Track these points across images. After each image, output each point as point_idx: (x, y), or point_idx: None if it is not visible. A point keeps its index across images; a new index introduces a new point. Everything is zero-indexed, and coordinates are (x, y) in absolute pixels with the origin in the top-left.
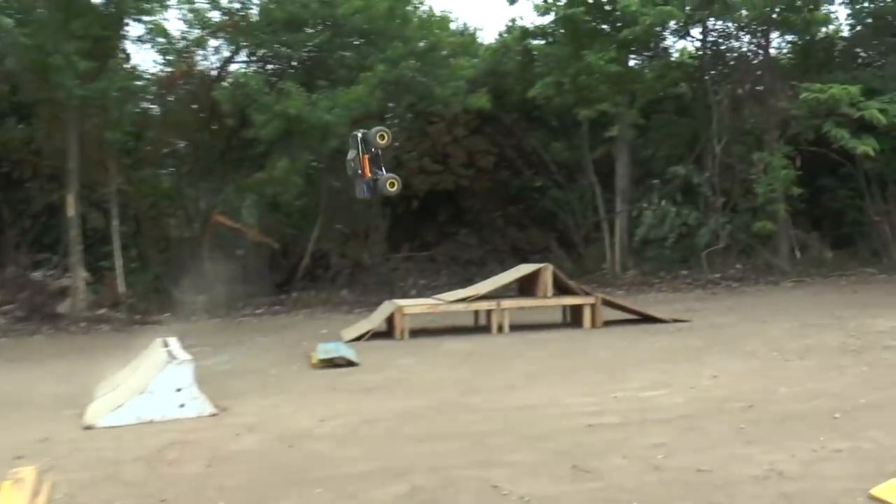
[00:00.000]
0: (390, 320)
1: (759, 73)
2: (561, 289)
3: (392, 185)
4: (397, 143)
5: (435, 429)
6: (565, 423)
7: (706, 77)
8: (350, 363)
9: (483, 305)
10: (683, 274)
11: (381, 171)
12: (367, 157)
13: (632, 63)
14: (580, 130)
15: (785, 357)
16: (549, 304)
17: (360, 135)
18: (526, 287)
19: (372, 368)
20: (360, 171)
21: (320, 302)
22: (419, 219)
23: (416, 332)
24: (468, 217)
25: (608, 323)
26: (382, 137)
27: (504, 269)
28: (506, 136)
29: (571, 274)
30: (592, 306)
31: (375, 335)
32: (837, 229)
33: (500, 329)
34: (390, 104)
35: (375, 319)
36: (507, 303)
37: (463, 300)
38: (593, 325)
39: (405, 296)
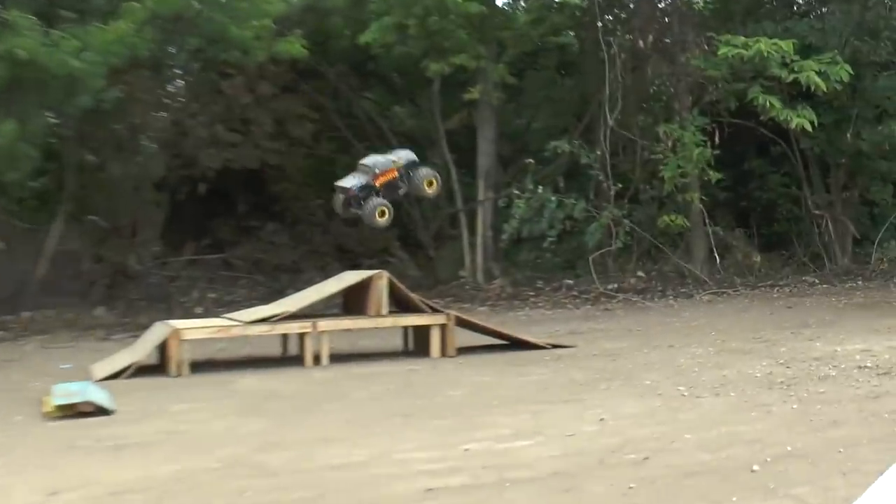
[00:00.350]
0: (163, 349)
1: (666, 20)
2: (401, 304)
3: (382, 213)
4: (180, 102)
5: (216, 501)
6: (397, 488)
7: (598, 24)
8: (101, 410)
9: (294, 328)
10: (567, 284)
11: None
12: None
13: (500, 2)
14: (430, 91)
15: (695, 393)
16: (383, 325)
17: (372, 166)
18: (353, 303)
19: (132, 417)
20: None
21: (63, 324)
22: (209, 209)
23: (200, 366)
24: (277, 207)
25: (464, 350)
26: (431, 185)
27: (327, 278)
28: (330, 97)
29: (416, 284)
30: (443, 328)
31: (141, 370)
32: (768, 226)
33: (318, 360)
34: (169, 48)
35: (140, 349)
36: (326, 324)
37: (266, 320)
38: (444, 353)
39: (187, 315)
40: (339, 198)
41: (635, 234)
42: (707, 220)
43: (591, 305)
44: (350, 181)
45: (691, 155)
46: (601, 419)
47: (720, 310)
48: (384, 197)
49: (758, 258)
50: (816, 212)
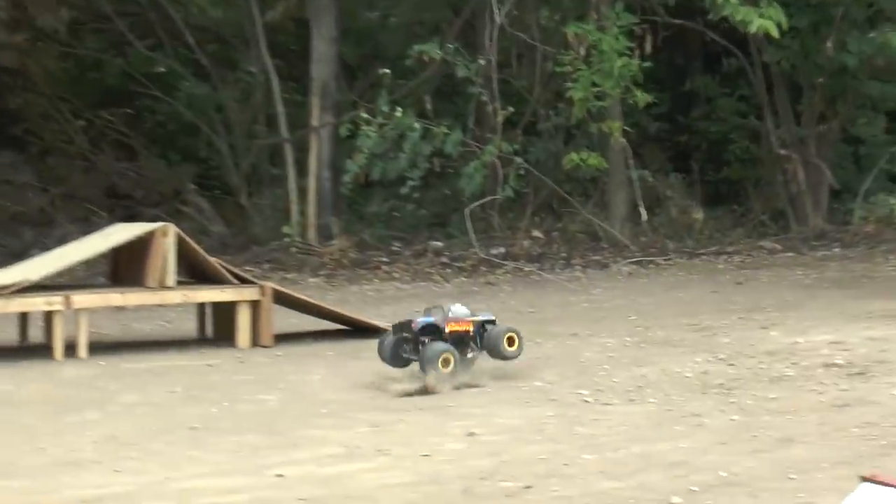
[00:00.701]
0: None
1: None
2: (196, 273)
3: (447, 362)
4: None
5: None
6: None
7: None
8: None
9: (38, 304)
10: (435, 247)
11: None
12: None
13: None
14: None
15: (601, 399)
16: (169, 300)
17: (447, 309)
18: (126, 269)
19: None
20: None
21: None
22: None
23: None
24: (16, 130)
25: (285, 337)
26: (512, 343)
27: (89, 233)
28: None
29: (221, 245)
30: (255, 306)
31: None
32: (716, 171)
33: (72, 351)
34: None
35: None
36: (85, 298)
37: None
38: (256, 341)
39: None
40: (389, 338)
41: (532, 179)
42: (632, 162)
43: (466, 277)
44: (414, 317)
45: (612, 68)
46: (470, 433)
47: (644, 286)
48: None
49: (700, 215)
50: (782, 152)
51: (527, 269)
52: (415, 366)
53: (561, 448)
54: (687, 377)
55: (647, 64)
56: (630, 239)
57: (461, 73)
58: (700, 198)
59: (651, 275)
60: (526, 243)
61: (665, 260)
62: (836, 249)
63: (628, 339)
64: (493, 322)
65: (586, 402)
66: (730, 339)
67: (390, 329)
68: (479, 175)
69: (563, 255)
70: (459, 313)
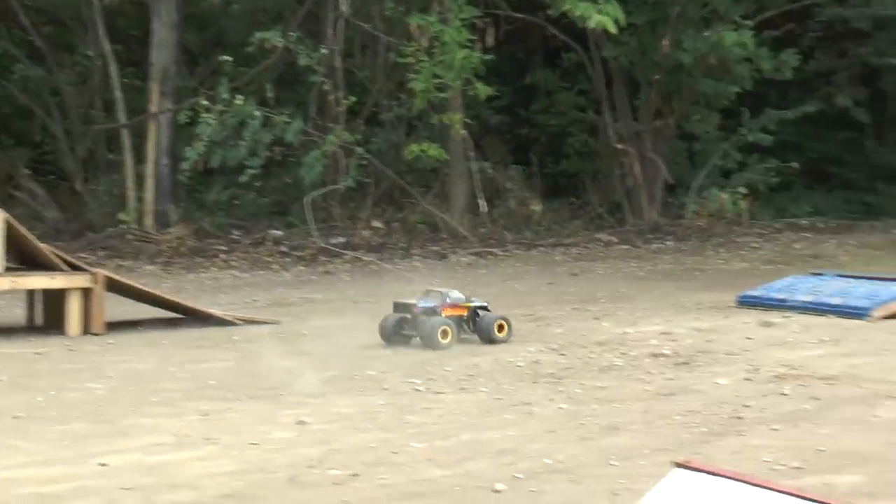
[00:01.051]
0: None
1: None
2: (26, 259)
3: (445, 334)
4: None
5: None
6: None
7: None
8: None
9: None
10: (274, 236)
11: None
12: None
13: None
14: None
15: (433, 388)
16: None
17: (445, 293)
18: None
19: None
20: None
21: None
22: None
23: None
24: None
25: (118, 326)
26: (501, 329)
27: None
28: None
29: (55, 231)
30: (87, 293)
31: None
32: (555, 163)
33: None
34: None
35: None
36: None
37: None
38: (87, 328)
39: None
40: (392, 318)
41: (373, 169)
42: (472, 153)
43: (305, 266)
44: (416, 299)
45: (453, 60)
46: (300, 422)
47: (482, 276)
48: None
49: (538, 207)
50: (619, 146)
51: (366, 259)
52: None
53: (390, 436)
54: (519, 366)
55: (489, 57)
56: (469, 230)
57: (304, 61)
58: (539, 190)
59: (489, 266)
60: (366, 233)
61: (503, 251)
62: (670, 242)
63: None
64: (486, 308)
65: (418, 390)
66: (563, 329)
67: (394, 308)
68: (320, 164)
69: (403, 245)
70: (456, 297)
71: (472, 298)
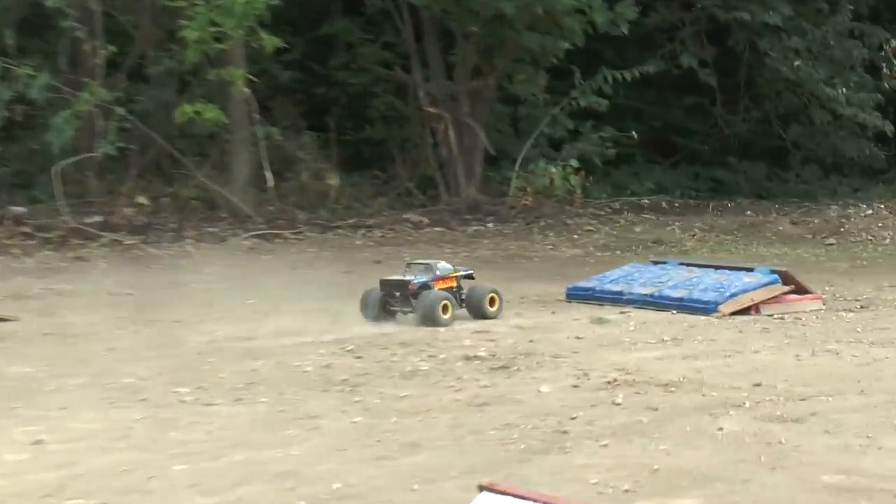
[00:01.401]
0: None
1: None
2: None
3: (446, 308)
4: None
5: None
6: None
7: None
8: None
9: None
10: (16, 213)
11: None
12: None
13: None
14: None
15: (203, 399)
16: None
17: (434, 265)
18: None
19: None
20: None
21: None
22: None
23: None
24: None
25: None
26: (493, 303)
27: None
28: None
29: None
30: None
31: None
32: (356, 130)
33: None
34: None
35: None
36: None
37: None
38: None
39: None
40: (376, 294)
41: (137, 134)
42: (257, 116)
43: (53, 251)
44: (409, 276)
45: (233, 5)
46: (37, 441)
47: (268, 263)
48: None
49: (336, 181)
50: (431, 109)
51: (128, 241)
52: None
53: (147, 457)
54: (306, 372)
55: (276, 2)
56: (253, 208)
57: (52, 2)
58: (337, 161)
59: (277, 250)
60: (128, 211)
61: (294, 233)
62: (491, 224)
63: (242, 325)
64: (471, 276)
65: (184, 401)
66: (359, 327)
67: (382, 286)
68: (72, 127)
69: (174, 225)
70: (444, 268)
71: (458, 267)
